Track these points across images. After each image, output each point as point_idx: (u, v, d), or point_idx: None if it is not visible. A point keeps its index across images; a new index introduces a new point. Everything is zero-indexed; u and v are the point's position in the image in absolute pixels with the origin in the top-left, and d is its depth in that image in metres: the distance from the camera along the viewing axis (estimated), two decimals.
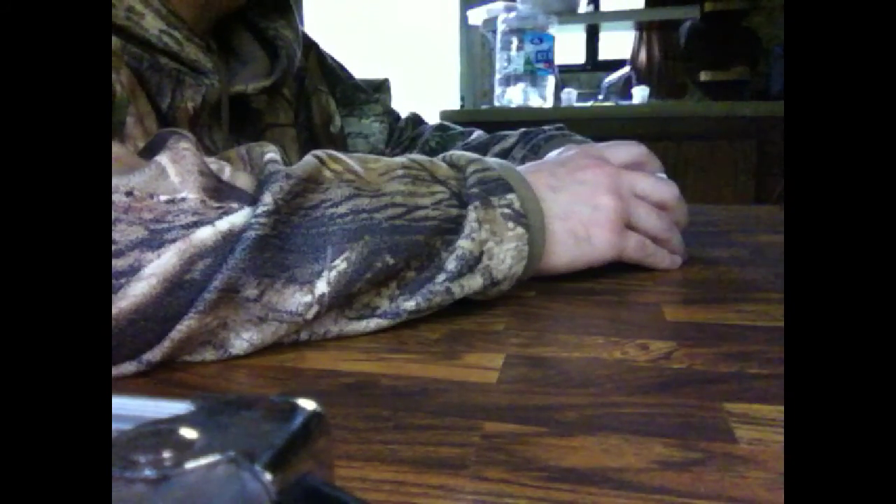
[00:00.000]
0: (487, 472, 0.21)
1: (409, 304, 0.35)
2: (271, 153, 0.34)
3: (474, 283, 0.37)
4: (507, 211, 0.38)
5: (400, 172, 0.36)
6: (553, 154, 0.48)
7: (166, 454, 0.12)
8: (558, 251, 0.42)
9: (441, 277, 0.35)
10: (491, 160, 0.41)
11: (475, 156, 0.40)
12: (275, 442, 0.13)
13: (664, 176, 0.49)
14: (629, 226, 0.44)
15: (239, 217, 0.30)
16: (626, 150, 0.48)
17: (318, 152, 0.35)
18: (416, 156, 0.39)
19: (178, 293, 0.29)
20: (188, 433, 0.13)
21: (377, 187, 0.35)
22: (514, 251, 0.38)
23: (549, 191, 0.42)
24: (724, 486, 0.20)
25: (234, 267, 0.29)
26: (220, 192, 0.30)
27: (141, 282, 0.28)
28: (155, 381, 0.30)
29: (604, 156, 0.46)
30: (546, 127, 0.63)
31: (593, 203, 0.42)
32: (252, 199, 0.31)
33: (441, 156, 0.41)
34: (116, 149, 0.31)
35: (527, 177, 0.41)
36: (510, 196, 0.38)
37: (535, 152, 0.59)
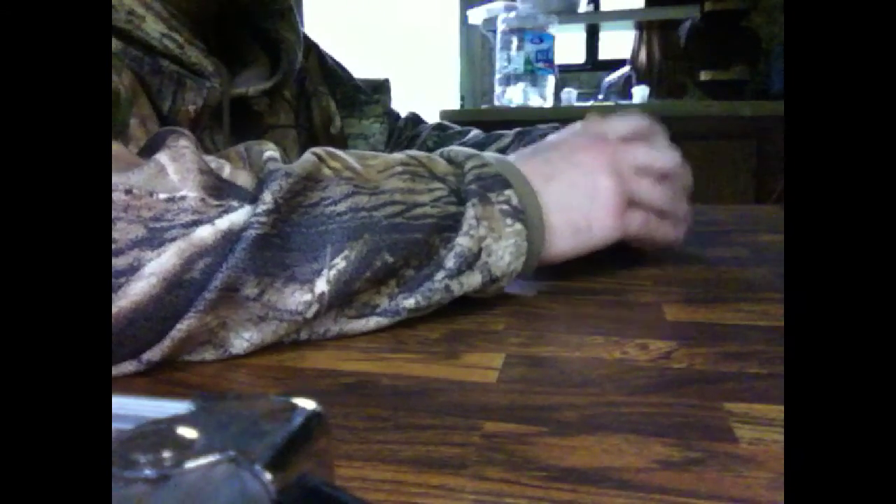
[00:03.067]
0: (487, 472, 0.21)
1: (409, 303, 0.35)
2: (270, 151, 0.34)
3: (473, 280, 0.37)
4: (505, 207, 0.37)
5: (399, 169, 0.36)
6: (552, 136, 0.47)
7: (166, 454, 0.12)
8: (558, 243, 0.41)
9: (440, 275, 0.35)
10: (488, 155, 0.40)
11: (472, 151, 0.40)
12: (275, 442, 0.13)
13: (666, 145, 0.47)
14: (632, 202, 0.43)
15: (239, 216, 0.30)
16: (626, 123, 0.46)
17: (317, 150, 0.35)
18: (414, 152, 0.39)
19: (177, 292, 0.29)
20: (188, 433, 0.13)
21: (376, 185, 0.35)
22: (512, 247, 0.37)
23: (545, 181, 0.41)
24: (724, 486, 0.20)
25: (235, 266, 0.29)
26: (219, 191, 0.30)
27: (141, 281, 0.28)
28: (155, 381, 0.30)
29: (603, 131, 0.45)
30: (542, 126, 0.63)
31: (591, 187, 0.41)
32: (252, 197, 0.31)
33: (438, 151, 0.41)
34: (116, 147, 0.31)
35: (521, 167, 0.41)
36: (508, 192, 0.38)
37: None
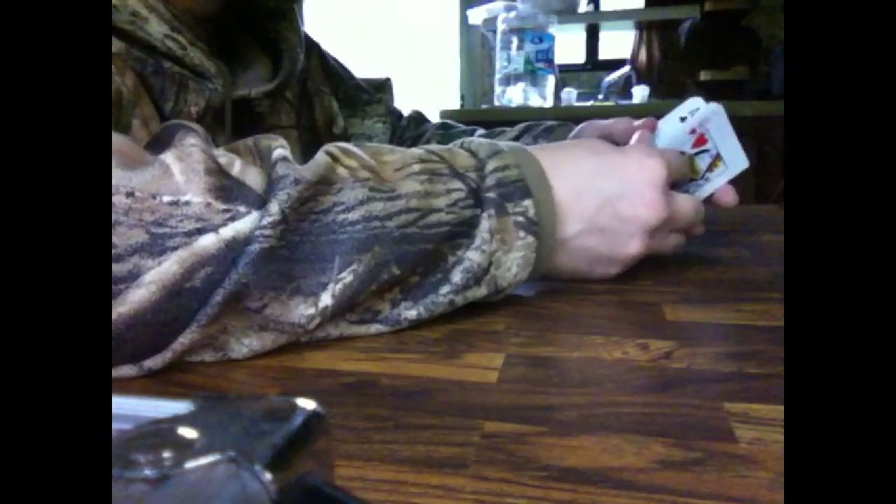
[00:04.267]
0: (487, 472, 0.21)
1: (411, 314, 0.35)
2: (280, 148, 0.33)
3: (478, 293, 0.36)
4: (520, 219, 0.37)
5: (416, 168, 0.35)
6: (618, 155, 0.42)
7: (166, 454, 0.12)
8: (556, 276, 0.43)
9: (445, 289, 0.35)
10: (509, 153, 0.39)
11: (496, 146, 0.39)
12: (275, 442, 0.13)
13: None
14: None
15: (244, 224, 0.29)
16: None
17: (331, 148, 0.34)
18: (433, 146, 0.38)
19: (177, 300, 0.28)
20: (188, 433, 0.13)
21: (392, 186, 0.34)
22: (521, 259, 0.37)
23: (580, 222, 0.40)
24: (724, 486, 0.20)
25: (237, 281, 0.29)
26: (227, 192, 0.29)
27: (140, 288, 0.28)
28: (155, 381, 0.30)
29: (663, 173, 0.41)
30: (548, 121, 0.63)
31: (620, 248, 0.42)
32: (260, 202, 0.30)
33: (460, 141, 0.40)
34: (121, 142, 0.30)
35: (560, 195, 0.39)
36: (526, 202, 0.37)
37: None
